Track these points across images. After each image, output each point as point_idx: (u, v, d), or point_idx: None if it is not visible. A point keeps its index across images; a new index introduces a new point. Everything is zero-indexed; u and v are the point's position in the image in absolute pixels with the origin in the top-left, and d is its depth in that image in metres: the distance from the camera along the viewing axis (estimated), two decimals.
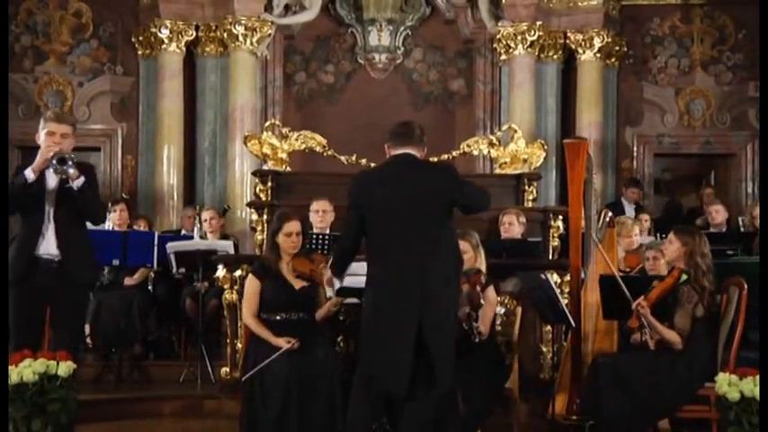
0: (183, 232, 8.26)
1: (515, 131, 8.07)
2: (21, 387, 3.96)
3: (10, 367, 4.02)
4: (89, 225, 4.84)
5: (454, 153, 8.05)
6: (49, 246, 4.57)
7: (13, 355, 4.14)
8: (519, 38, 9.66)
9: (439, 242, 4.11)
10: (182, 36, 9.64)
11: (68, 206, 4.58)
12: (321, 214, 6.54)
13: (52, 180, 4.58)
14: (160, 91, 9.67)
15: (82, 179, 4.53)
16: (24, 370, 3.98)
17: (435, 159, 6.71)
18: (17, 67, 9.93)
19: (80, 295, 4.75)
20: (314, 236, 6.29)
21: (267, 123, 8.22)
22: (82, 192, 4.53)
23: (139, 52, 10.02)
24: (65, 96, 10.00)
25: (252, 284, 4.91)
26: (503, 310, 5.30)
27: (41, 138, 4.64)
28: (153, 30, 9.64)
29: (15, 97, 9.83)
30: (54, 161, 4.48)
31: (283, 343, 4.69)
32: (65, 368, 4.08)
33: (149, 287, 7.38)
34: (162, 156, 9.64)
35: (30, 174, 4.50)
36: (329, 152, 7.88)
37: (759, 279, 4.91)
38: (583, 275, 5.24)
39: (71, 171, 4.48)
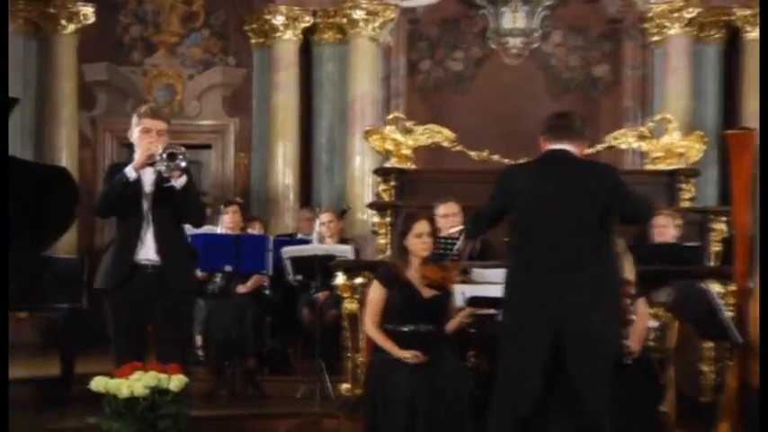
0: (299, 236, 8.38)
1: (669, 122, 7.89)
2: (131, 402, 4.07)
3: (120, 380, 4.14)
4: (194, 229, 4.89)
5: (599, 147, 7.90)
6: (148, 251, 4.59)
7: (122, 367, 4.25)
8: (674, 15, 9.41)
9: (591, 251, 4.06)
10: (297, 23, 9.80)
11: (167, 208, 4.60)
12: (451, 218, 6.51)
13: (149, 179, 4.61)
14: (274, 83, 9.85)
15: (184, 178, 4.54)
16: (135, 384, 4.09)
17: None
18: (125, 59, 10.32)
19: (183, 303, 4.76)
20: (442, 240, 6.27)
21: (390, 116, 8.26)
22: (185, 191, 4.56)
23: (252, 41, 10.25)
24: (174, 90, 10.32)
25: (377, 292, 4.93)
26: (656, 324, 5.17)
27: (135, 135, 4.67)
28: (267, 17, 9.84)
29: (123, 92, 10.21)
30: (164, 155, 4.49)
31: (409, 356, 4.70)
32: (177, 382, 4.17)
33: (265, 294, 7.51)
34: (276, 153, 9.82)
35: (131, 172, 4.53)
36: (458, 147, 7.85)
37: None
38: (750, 285, 5.05)
39: (184, 165, 4.49)
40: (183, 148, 4.56)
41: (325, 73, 10.04)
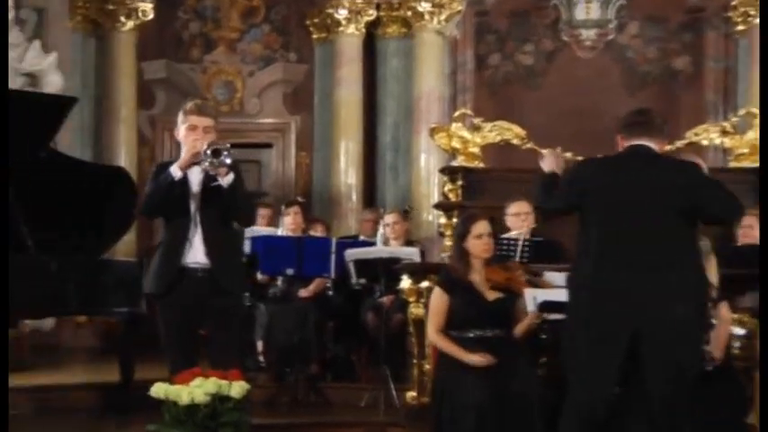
0: (362, 238, 8.41)
1: (755, 117, 7.75)
2: (192, 409, 4.12)
3: (180, 387, 4.19)
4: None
5: (678, 143, 7.78)
6: (196, 253, 4.60)
7: (183, 374, 4.30)
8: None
9: (675, 251, 4.02)
10: (361, 16, 9.84)
11: (215, 207, 4.60)
12: (523, 217, 6.48)
13: (196, 178, 4.62)
14: (337, 79, 9.91)
15: (231, 175, 4.52)
16: (195, 390, 4.14)
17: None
18: (184, 56, 10.47)
19: (236, 305, 4.79)
20: (507, 241, 6.24)
21: (457, 113, 8.24)
22: (232, 190, 4.55)
23: (314, 36, 10.32)
24: (234, 88, 10.43)
25: (438, 298, 4.93)
26: (742, 332, 5.08)
27: (181, 132, 4.67)
28: (329, 10, 9.89)
29: (182, 89, 10.34)
30: (209, 152, 4.47)
31: (477, 359, 4.69)
32: (238, 389, 4.20)
33: (328, 299, 7.55)
34: (339, 152, 9.87)
35: (177, 171, 4.54)
36: (528, 145, 7.80)
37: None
38: None
39: (229, 161, 4.47)
40: (227, 145, 4.54)
41: (390, 68, 10.06)
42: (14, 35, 8.13)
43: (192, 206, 4.62)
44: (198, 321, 4.70)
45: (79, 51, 9.79)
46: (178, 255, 4.60)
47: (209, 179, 4.57)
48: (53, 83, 8.14)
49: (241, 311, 4.86)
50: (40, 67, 8.12)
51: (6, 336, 4.63)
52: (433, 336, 4.93)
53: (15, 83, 7.76)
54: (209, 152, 4.47)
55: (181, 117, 4.70)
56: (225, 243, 4.70)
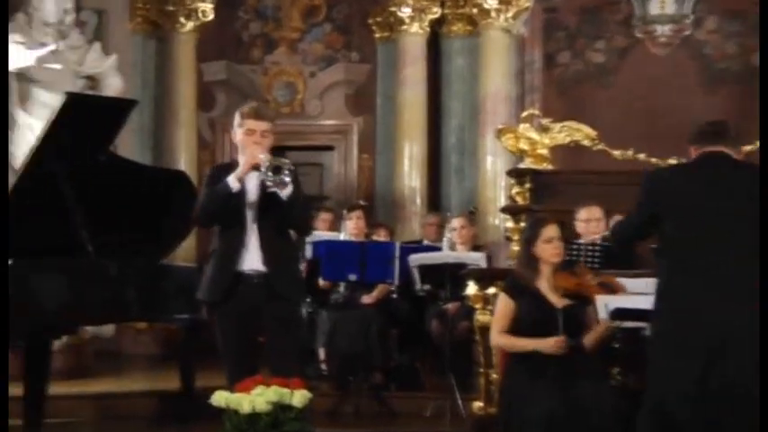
0: (425, 242, 8.41)
1: None
2: (253, 418, 4.15)
3: (241, 395, 4.23)
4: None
5: (759, 144, 7.67)
6: (253, 260, 4.63)
7: (244, 382, 4.33)
8: None
9: (754, 261, 3.99)
10: (425, 14, 9.85)
11: (273, 215, 4.62)
12: (594, 223, 6.43)
13: (253, 186, 4.63)
14: (400, 79, 9.93)
15: (290, 187, 4.54)
16: (257, 399, 4.17)
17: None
18: (244, 57, 10.57)
19: (292, 313, 4.80)
20: (577, 246, 6.19)
21: (524, 113, 8.20)
22: (291, 202, 4.56)
23: (377, 35, 10.36)
24: (295, 89, 10.51)
25: (504, 304, 4.91)
26: None
27: (238, 136, 4.69)
28: (392, 9, 9.92)
29: (243, 91, 10.45)
30: (269, 172, 4.50)
31: (552, 343, 4.67)
32: (300, 398, 4.22)
33: (392, 305, 7.56)
34: (402, 154, 9.89)
35: (234, 183, 4.56)
36: (599, 146, 7.73)
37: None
38: None
39: (288, 179, 4.50)
40: (288, 161, 4.57)
41: (455, 68, 10.07)
42: (75, 37, 8.27)
43: (249, 214, 4.64)
44: (256, 329, 4.72)
45: (139, 53, 9.94)
46: (233, 261, 4.63)
47: (266, 187, 4.58)
48: (113, 85, 8.25)
49: (299, 318, 4.87)
50: (100, 69, 8.23)
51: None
52: (497, 337, 4.90)
53: (75, 86, 7.89)
54: (269, 172, 4.51)
55: (237, 120, 4.72)
56: (282, 249, 4.72)
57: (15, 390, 4.93)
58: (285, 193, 4.54)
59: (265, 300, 4.63)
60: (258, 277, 4.64)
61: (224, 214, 4.64)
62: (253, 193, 4.64)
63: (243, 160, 4.61)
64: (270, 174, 4.50)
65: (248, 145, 4.62)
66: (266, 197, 4.61)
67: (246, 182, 4.61)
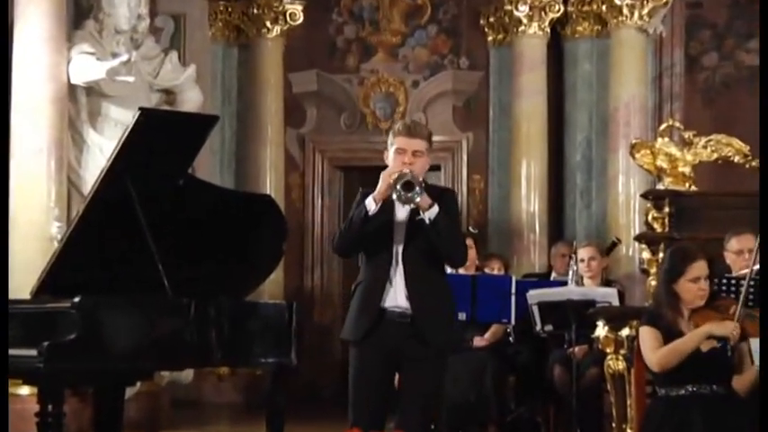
0: (554, 276, 8.37)
1: None
2: None
3: None
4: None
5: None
6: (397, 296, 4.68)
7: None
8: None
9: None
10: (545, 13, 9.86)
11: (420, 244, 4.66)
12: (747, 255, 6.31)
13: (402, 210, 4.68)
14: (517, 88, 9.95)
15: (436, 209, 4.58)
16: None
17: None
18: (339, 66, 10.69)
19: (436, 362, 4.76)
20: (728, 281, 6.10)
21: (663, 126, 8.15)
22: (435, 225, 4.59)
23: (489, 38, 10.41)
24: (396, 101, 10.59)
25: (652, 335, 4.80)
26: None
27: (390, 157, 4.75)
28: (508, 7, 9.96)
29: (337, 104, 10.58)
30: (398, 186, 4.54)
31: (731, 328, 4.67)
32: None
33: (508, 349, 7.55)
34: (519, 174, 9.90)
35: (371, 204, 4.60)
36: (753, 163, 7.64)
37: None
38: None
39: (419, 199, 4.53)
40: (421, 178, 4.60)
41: (581, 74, 10.06)
42: (149, 46, 8.46)
43: (395, 240, 4.70)
44: (392, 373, 4.78)
45: (220, 63, 10.16)
46: (377, 296, 4.69)
47: (415, 211, 4.63)
48: (192, 99, 8.42)
49: (440, 366, 4.87)
50: (178, 81, 8.39)
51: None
52: (652, 356, 4.78)
53: (150, 100, 8.08)
54: (398, 185, 4.54)
55: (390, 139, 4.80)
56: (430, 285, 4.75)
57: None
58: (429, 214, 4.58)
59: (407, 343, 4.66)
60: (401, 315, 4.69)
61: (363, 241, 4.71)
62: (402, 216, 4.70)
63: (382, 179, 4.65)
64: (400, 190, 4.54)
65: (398, 166, 4.67)
66: (413, 224, 4.67)
67: (396, 205, 4.67)
